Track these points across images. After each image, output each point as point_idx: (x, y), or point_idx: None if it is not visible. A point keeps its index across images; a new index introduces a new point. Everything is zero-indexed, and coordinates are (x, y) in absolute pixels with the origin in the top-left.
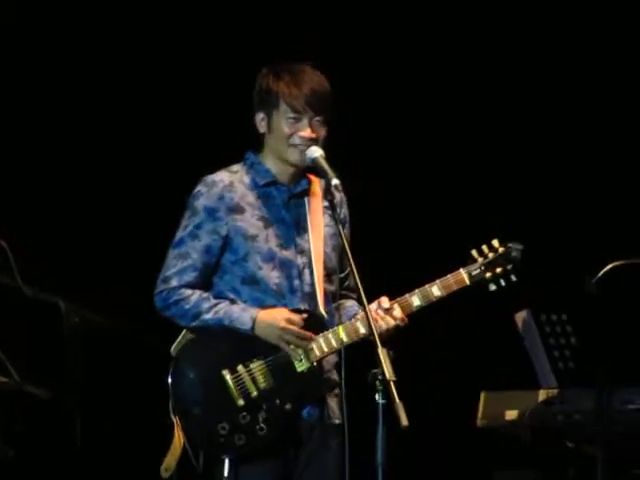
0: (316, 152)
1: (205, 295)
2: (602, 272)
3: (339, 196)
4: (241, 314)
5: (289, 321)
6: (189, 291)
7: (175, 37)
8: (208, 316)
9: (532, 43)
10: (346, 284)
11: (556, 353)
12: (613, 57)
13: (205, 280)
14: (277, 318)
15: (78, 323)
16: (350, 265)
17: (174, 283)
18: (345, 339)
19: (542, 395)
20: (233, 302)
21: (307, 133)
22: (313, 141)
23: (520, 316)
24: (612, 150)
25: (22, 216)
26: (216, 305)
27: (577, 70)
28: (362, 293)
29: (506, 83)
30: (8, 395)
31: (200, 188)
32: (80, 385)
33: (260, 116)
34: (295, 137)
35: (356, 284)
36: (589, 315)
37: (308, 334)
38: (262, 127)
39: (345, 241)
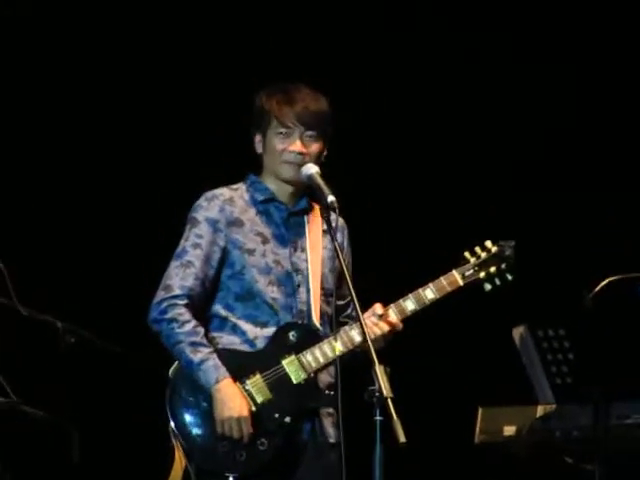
0: (311, 169)
1: (199, 330)
2: (599, 287)
3: (337, 220)
4: (211, 370)
5: (245, 420)
6: (188, 316)
7: (181, 51)
8: (187, 351)
9: (528, 42)
10: (347, 312)
11: (554, 369)
12: (611, 59)
13: (204, 292)
14: (238, 406)
15: (74, 343)
16: (349, 291)
17: (176, 290)
18: (340, 348)
19: (540, 411)
20: (224, 320)
21: (297, 147)
22: (303, 156)
23: (518, 331)
24: (608, 164)
25: (18, 236)
26: (200, 346)
27: (572, 76)
28: (357, 304)
29: (503, 87)
30: (5, 415)
31: (200, 202)
32: (76, 405)
33: (257, 137)
34: (286, 153)
35: (355, 308)
36: (586, 330)
37: (246, 437)
38: (259, 148)
39: (344, 265)
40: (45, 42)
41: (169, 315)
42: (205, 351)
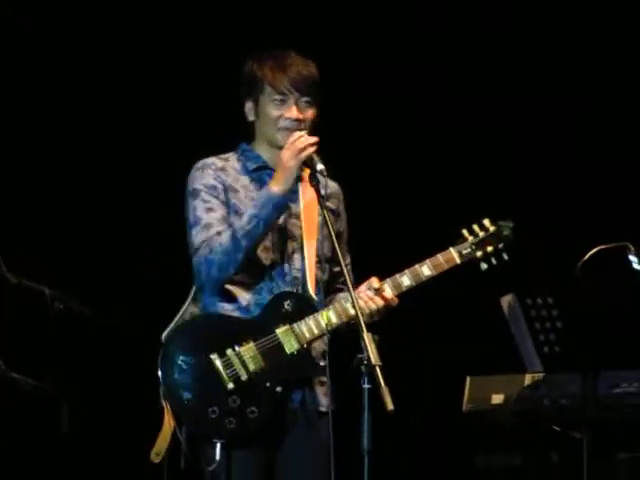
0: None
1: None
2: (588, 255)
3: (331, 186)
4: (260, 195)
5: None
6: (215, 237)
7: (167, 32)
8: (246, 227)
9: (525, 39)
10: (342, 279)
11: (542, 337)
12: (607, 52)
13: None
14: (283, 156)
15: (62, 310)
16: (337, 257)
17: (207, 249)
18: (334, 320)
19: (528, 379)
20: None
21: (293, 114)
22: (299, 122)
23: (505, 300)
24: (598, 137)
25: (5, 204)
26: (239, 218)
27: (566, 56)
28: (347, 276)
29: (499, 65)
30: None
31: (193, 173)
32: (64, 372)
33: (248, 105)
34: (282, 120)
35: (342, 273)
36: (574, 299)
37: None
38: (251, 115)
39: (333, 232)
40: (42, 39)
41: (211, 255)
42: (244, 210)
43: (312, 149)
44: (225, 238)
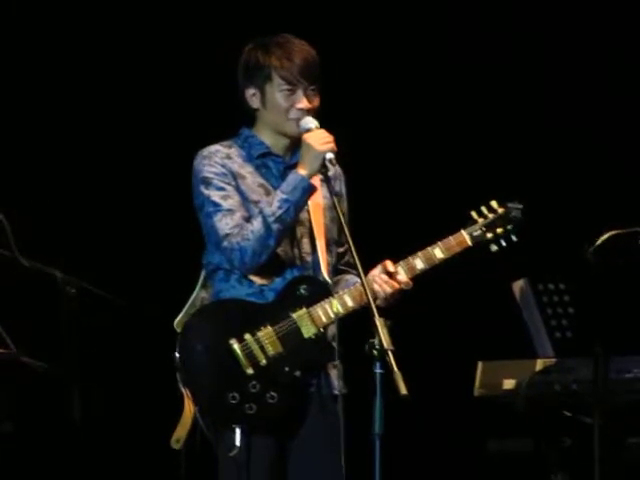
0: (310, 123)
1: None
2: (600, 241)
3: (334, 169)
4: (289, 180)
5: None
6: (245, 223)
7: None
8: (277, 213)
9: (524, 37)
10: (345, 259)
11: (553, 322)
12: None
13: None
14: (311, 142)
15: (75, 294)
16: (347, 239)
17: (238, 236)
18: (350, 304)
19: (540, 365)
20: (229, 272)
21: (304, 104)
22: (310, 112)
23: (517, 285)
24: (607, 123)
25: (18, 188)
26: (269, 204)
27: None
28: (356, 259)
29: (502, 62)
30: (5, 366)
31: (200, 161)
32: (77, 356)
33: (251, 92)
34: (293, 110)
35: (352, 256)
36: (587, 284)
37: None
38: (255, 103)
39: (341, 215)
40: (39, 36)
41: (243, 243)
42: (272, 197)
43: (334, 145)
44: (256, 224)
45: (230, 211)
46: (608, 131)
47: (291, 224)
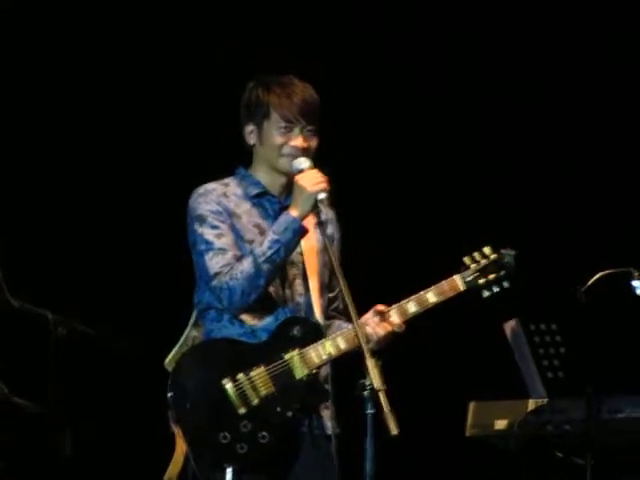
0: (303, 163)
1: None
2: (591, 281)
3: (326, 211)
4: (280, 221)
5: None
6: (235, 262)
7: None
8: (267, 253)
9: (527, 41)
10: (335, 305)
11: (545, 363)
12: (609, 58)
13: None
14: (303, 184)
15: (65, 335)
16: (338, 281)
17: (227, 275)
18: (343, 346)
19: (531, 405)
20: (221, 312)
21: (299, 143)
22: (304, 151)
23: (509, 325)
24: (599, 161)
25: (9, 228)
26: (259, 244)
27: (570, 77)
28: (349, 301)
29: (500, 88)
30: None
31: (196, 198)
32: (67, 396)
33: (249, 128)
34: (286, 147)
35: (344, 299)
36: (578, 324)
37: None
38: (252, 139)
39: (333, 258)
40: (38, 39)
41: (232, 282)
42: (261, 238)
43: (327, 186)
44: (246, 264)
45: (222, 250)
46: (597, 171)
47: (281, 265)
